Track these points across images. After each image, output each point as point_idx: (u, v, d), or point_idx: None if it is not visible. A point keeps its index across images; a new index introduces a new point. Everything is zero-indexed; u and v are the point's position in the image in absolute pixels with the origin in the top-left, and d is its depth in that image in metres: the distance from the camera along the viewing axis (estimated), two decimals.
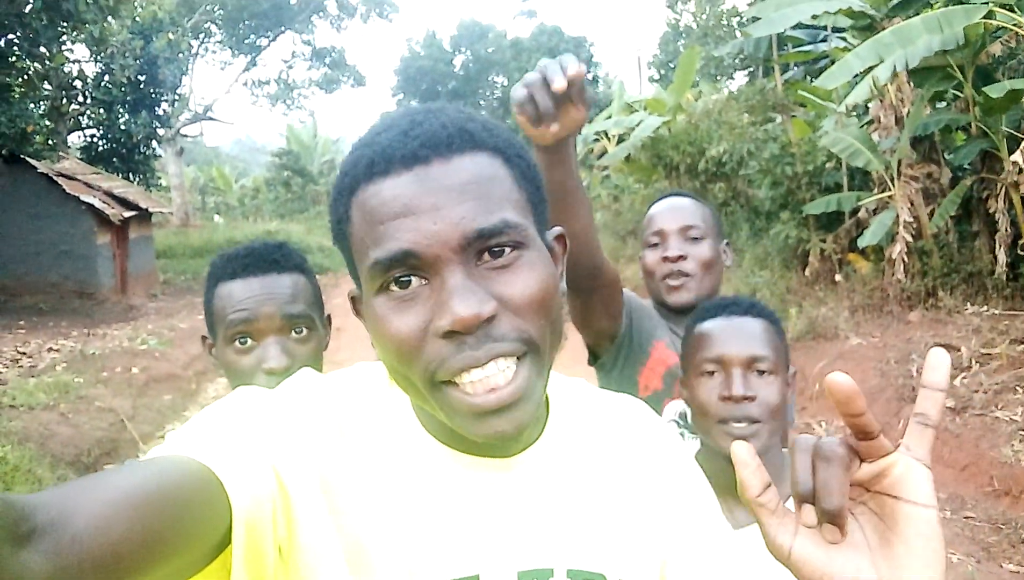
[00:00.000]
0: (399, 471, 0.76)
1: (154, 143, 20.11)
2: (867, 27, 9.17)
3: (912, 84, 8.78)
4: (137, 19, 17.82)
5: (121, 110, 18.24)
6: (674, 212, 1.89)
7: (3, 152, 13.46)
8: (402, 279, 0.70)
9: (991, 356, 6.81)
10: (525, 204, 0.74)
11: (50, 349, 10.23)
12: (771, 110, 11.90)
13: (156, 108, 19.20)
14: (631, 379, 1.82)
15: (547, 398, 0.84)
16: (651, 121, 14.19)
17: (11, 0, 11.97)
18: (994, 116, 7.98)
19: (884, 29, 8.13)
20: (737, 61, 17.43)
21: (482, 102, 38.06)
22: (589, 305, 1.72)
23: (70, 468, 6.03)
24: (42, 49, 13.71)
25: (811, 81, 10.79)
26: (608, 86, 32.17)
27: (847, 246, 10.31)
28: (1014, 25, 7.40)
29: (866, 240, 9.11)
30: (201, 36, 28.48)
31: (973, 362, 6.80)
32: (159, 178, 22.32)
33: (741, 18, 16.85)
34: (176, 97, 21.46)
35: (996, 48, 8.38)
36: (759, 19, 9.56)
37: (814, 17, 9.38)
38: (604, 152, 18.81)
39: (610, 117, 18.80)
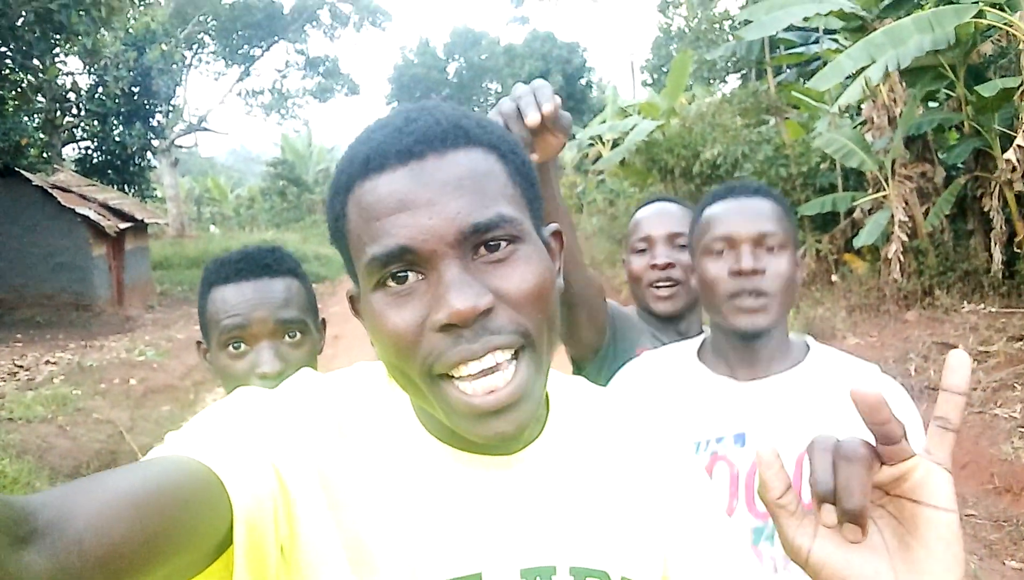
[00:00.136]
0: (400, 470, 0.76)
1: (149, 154, 20.06)
2: (858, 28, 9.22)
3: (904, 84, 8.82)
4: (130, 31, 17.81)
5: (115, 122, 18.20)
6: (662, 218, 1.88)
7: None
8: (399, 275, 0.70)
9: (989, 354, 6.82)
10: (520, 199, 0.74)
11: (47, 361, 10.21)
12: (764, 112, 11.94)
13: (150, 119, 19.17)
14: None
15: (547, 396, 0.84)
16: (645, 125, 14.23)
17: (3, 13, 11.95)
18: (986, 115, 8.03)
19: (875, 30, 8.17)
20: (730, 64, 17.46)
21: (476, 109, 38.08)
22: (573, 319, 1.71)
23: (68, 481, 6.00)
24: (35, 62, 13.69)
25: (804, 83, 10.83)
26: (602, 91, 32.27)
27: (843, 246, 10.34)
28: (1004, 24, 7.44)
29: (861, 240, 9.14)
30: (195, 47, 28.50)
31: (971, 360, 6.80)
32: (154, 189, 22.25)
33: (733, 21, 16.89)
34: (170, 108, 21.45)
35: (987, 47, 8.43)
36: (751, 22, 9.62)
37: (805, 19, 9.43)
38: (599, 157, 18.84)
39: (604, 122, 18.83)
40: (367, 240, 0.70)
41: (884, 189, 8.99)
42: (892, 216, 8.74)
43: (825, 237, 10.37)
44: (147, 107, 18.84)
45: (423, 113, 0.73)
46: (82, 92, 17.75)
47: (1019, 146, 7.12)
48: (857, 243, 9.32)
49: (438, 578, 0.73)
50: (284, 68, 32.86)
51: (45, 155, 15.31)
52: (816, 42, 11.07)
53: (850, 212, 10.08)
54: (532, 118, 1.11)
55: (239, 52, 30.08)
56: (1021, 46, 7.39)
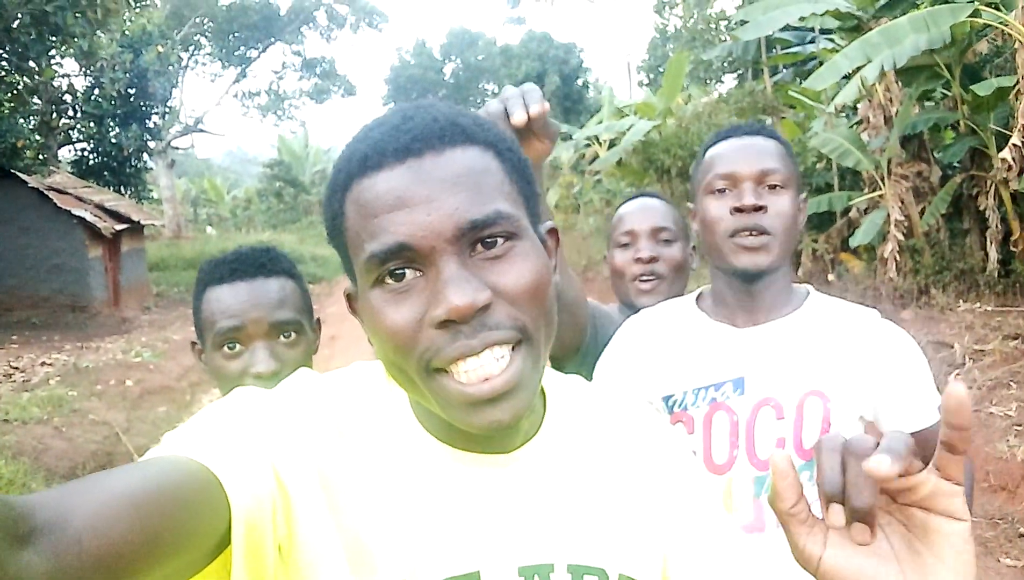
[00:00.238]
0: (398, 469, 0.76)
1: (145, 156, 20.03)
2: (854, 28, 9.23)
3: (900, 83, 8.84)
4: (126, 32, 17.79)
5: (111, 123, 18.18)
6: (645, 213, 1.88)
7: None
8: (397, 272, 0.70)
9: (984, 352, 6.84)
10: (517, 197, 0.74)
11: (43, 363, 10.19)
12: (760, 112, 11.95)
13: (146, 121, 19.14)
14: None
15: (543, 393, 0.85)
16: (642, 125, 14.25)
17: None
18: (982, 113, 8.05)
19: (871, 30, 8.18)
20: (726, 64, 17.49)
21: (473, 109, 38.11)
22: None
23: (65, 482, 5.98)
24: (31, 64, 13.69)
25: (800, 83, 10.85)
26: (598, 91, 32.27)
27: (839, 246, 10.36)
28: (1000, 23, 7.46)
29: (858, 239, 9.15)
30: (191, 48, 28.45)
31: (966, 359, 6.82)
32: (150, 191, 22.24)
33: (729, 22, 16.92)
34: (166, 110, 21.41)
35: (983, 46, 8.46)
36: (747, 22, 9.63)
37: (801, 19, 9.44)
38: (595, 157, 18.85)
39: (601, 122, 18.85)
40: (365, 237, 0.71)
41: (880, 188, 9.01)
42: (888, 215, 8.76)
43: (821, 236, 10.39)
44: (143, 109, 18.81)
45: (420, 111, 0.73)
46: (78, 94, 17.74)
47: (1015, 145, 7.14)
48: (853, 242, 9.34)
49: (436, 577, 0.73)
50: (280, 69, 32.80)
51: (41, 157, 15.29)
52: (812, 42, 11.09)
53: (846, 211, 10.10)
54: (518, 117, 1.11)
55: (235, 53, 30.02)
56: (1016, 45, 7.40)
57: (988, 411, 5.92)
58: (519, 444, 0.80)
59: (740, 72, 17.09)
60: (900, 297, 8.79)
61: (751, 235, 1.37)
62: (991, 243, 8.16)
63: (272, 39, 30.27)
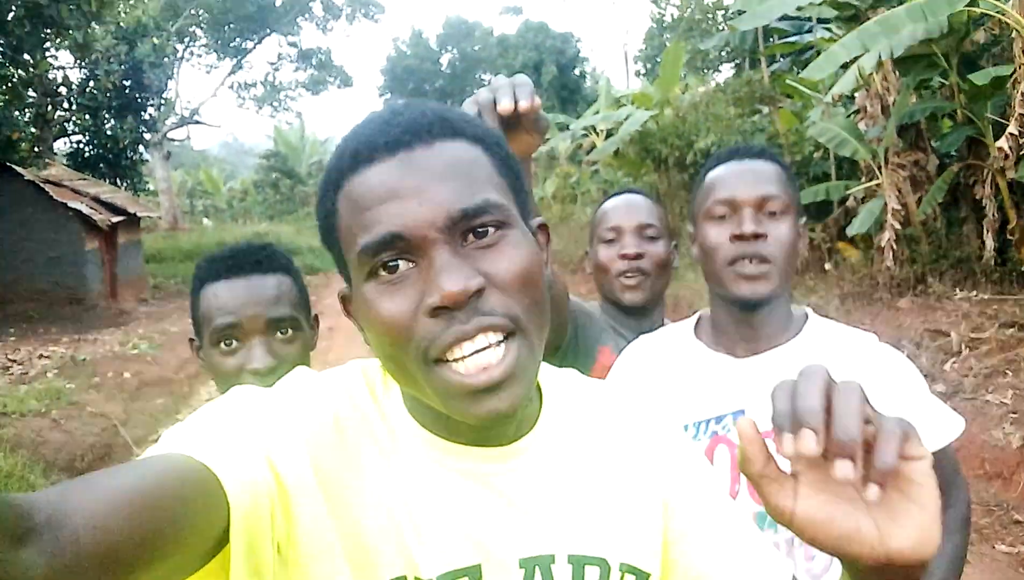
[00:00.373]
0: (396, 465, 0.77)
1: (141, 148, 19.99)
2: (852, 17, 9.20)
3: (897, 73, 8.83)
4: (121, 24, 17.70)
5: (107, 115, 18.10)
6: (631, 209, 1.86)
7: None
8: (390, 263, 0.71)
9: (981, 340, 6.85)
10: (507, 190, 0.75)
11: (41, 356, 10.18)
12: (758, 102, 11.95)
13: (142, 113, 19.07)
14: None
15: (540, 386, 0.85)
16: (639, 115, 14.21)
17: None
18: (979, 103, 8.04)
19: (868, 19, 8.16)
20: (723, 54, 17.45)
21: (464, 99, 38.06)
22: None
23: (63, 474, 6.01)
24: (25, 56, 13.60)
25: (797, 72, 10.84)
26: (595, 81, 32.21)
27: (836, 235, 10.37)
28: (997, 12, 7.44)
29: (855, 228, 9.16)
30: (186, 40, 28.37)
31: (963, 347, 6.84)
32: (147, 182, 22.15)
33: (726, 11, 16.88)
34: (162, 101, 21.32)
35: (980, 35, 8.45)
36: (744, 12, 9.60)
37: (799, 8, 9.42)
38: (593, 147, 18.83)
39: (598, 112, 18.83)
40: (357, 230, 0.72)
41: (877, 177, 9.01)
42: (885, 204, 8.76)
43: (818, 226, 10.39)
44: (139, 100, 18.74)
45: (408, 107, 0.75)
46: (73, 86, 17.66)
47: (1011, 134, 7.13)
48: (850, 231, 9.35)
49: (437, 571, 0.74)
50: (276, 60, 32.74)
51: (36, 149, 15.21)
52: (809, 31, 11.07)
53: (843, 200, 10.11)
54: (504, 105, 1.09)
55: (231, 45, 29.94)
56: (1014, 34, 7.39)
57: (984, 399, 5.94)
58: (516, 437, 0.80)
59: (737, 62, 17.05)
60: (897, 286, 8.80)
61: (751, 263, 1.36)
62: (988, 232, 8.16)
63: (268, 30, 30.17)
